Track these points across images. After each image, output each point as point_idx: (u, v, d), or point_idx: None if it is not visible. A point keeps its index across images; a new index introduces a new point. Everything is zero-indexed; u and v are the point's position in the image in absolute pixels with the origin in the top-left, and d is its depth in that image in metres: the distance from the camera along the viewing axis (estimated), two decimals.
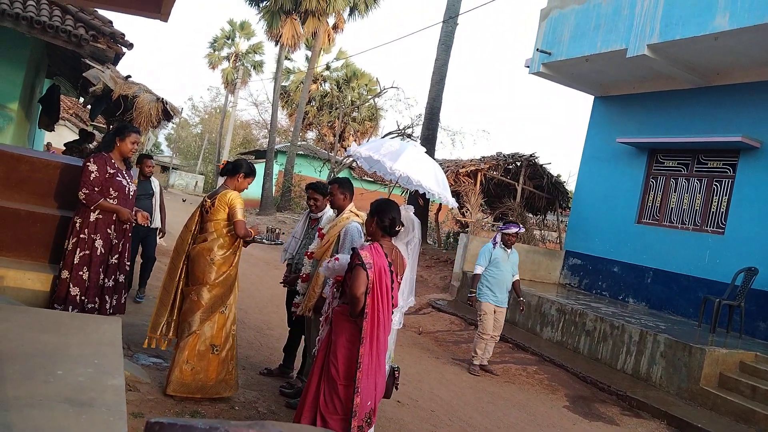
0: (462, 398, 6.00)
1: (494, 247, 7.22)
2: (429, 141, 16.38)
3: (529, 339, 8.70)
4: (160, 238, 7.59)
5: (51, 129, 11.22)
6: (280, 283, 5.61)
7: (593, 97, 12.35)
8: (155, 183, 7.53)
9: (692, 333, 8.08)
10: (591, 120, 12.37)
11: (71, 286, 4.52)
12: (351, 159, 21.66)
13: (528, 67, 11.80)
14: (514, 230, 7.23)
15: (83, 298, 4.57)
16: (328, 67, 36.79)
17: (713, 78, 9.93)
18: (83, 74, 7.88)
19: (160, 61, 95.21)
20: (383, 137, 20.45)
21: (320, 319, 4.10)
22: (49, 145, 17.70)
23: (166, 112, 8.31)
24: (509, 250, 7.27)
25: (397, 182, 4.77)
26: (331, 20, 31.27)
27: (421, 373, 6.66)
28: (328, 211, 5.20)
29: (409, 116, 70.88)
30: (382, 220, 3.64)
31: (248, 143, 47.74)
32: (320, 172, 25.34)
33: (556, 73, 11.49)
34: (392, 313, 3.72)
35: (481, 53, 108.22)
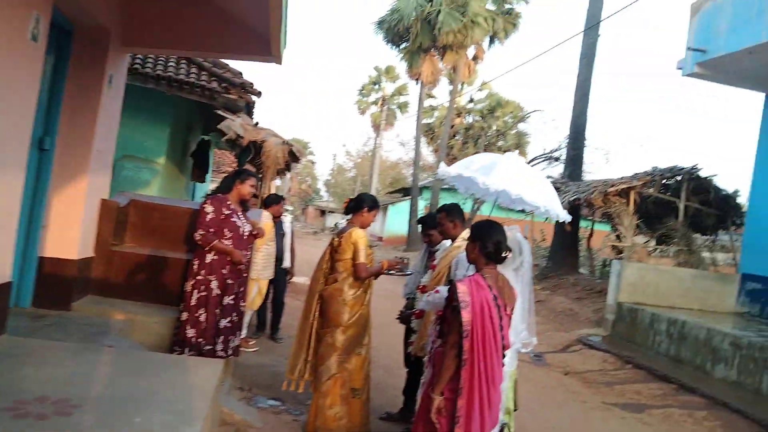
0: None
1: None
2: (575, 161, 15.42)
3: (697, 378, 7.45)
4: (288, 280, 7.67)
5: (202, 180, 12.14)
6: (396, 318, 5.29)
7: (763, 94, 10.76)
8: (287, 224, 7.66)
9: None
10: (763, 121, 10.75)
11: (188, 327, 4.59)
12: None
13: (680, 68, 10.63)
14: None
15: (200, 339, 4.60)
16: (471, 100, 36.67)
17: None
18: (217, 126, 8.37)
19: (315, 109, 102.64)
20: (529, 163, 19.69)
21: (424, 359, 3.73)
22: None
23: (293, 154, 8.53)
24: None
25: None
26: (471, 52, 31.17)
27: (562, 419, 5.91)
28: (445, 243, 4.87)
29: (556, 139, 68.56)
30: (485, 246, 3.18)
31: (397, 182, 48.91)
32: (464, 204, 24.97)
33: (714, 71, 10.21)
34: (503, 355, 3.21)
35: (628, 63, 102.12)
